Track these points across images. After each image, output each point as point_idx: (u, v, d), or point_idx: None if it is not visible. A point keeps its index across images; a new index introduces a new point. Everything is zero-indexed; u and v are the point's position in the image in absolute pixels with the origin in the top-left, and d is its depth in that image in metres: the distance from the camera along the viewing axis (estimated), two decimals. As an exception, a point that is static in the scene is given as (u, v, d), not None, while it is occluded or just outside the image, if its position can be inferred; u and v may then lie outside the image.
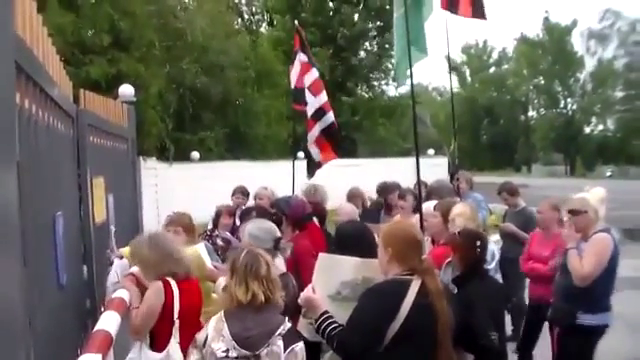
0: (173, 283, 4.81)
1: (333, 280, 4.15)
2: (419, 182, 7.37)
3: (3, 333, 2.85)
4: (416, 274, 3.89)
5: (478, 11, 8.37)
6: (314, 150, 10.30)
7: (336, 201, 8.66)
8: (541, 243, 7.14)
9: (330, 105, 10.24)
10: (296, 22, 12.11)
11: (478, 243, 4.83)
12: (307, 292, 4.10)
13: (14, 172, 2.98)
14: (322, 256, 4.34)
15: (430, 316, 3.78)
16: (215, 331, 3.80)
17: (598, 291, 5.85)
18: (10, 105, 2.93)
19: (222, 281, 5.37)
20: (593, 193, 6.22)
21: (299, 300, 4.21)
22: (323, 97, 10.17)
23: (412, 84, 7.52)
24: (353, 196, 10.03)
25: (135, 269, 5.22)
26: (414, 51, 7.31)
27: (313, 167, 10.48)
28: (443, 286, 4.03)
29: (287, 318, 3.94)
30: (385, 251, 4.01)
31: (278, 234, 5.13)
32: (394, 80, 39.01)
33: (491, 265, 5.63)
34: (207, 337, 3.81)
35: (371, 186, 11.11)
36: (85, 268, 6.74)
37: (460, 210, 5.74)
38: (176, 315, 4.71)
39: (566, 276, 6.01)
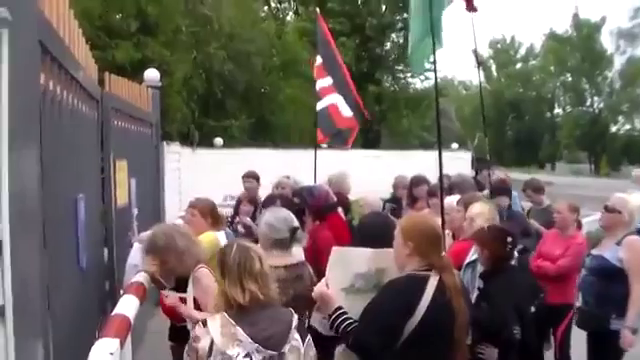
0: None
1: (347, 273, 4.06)
2: (441, 176, 7.27)
3: (22, 311, 2.86)
4: (434, 270, 3.80)
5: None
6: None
7: (357, 191, 8.64)
8: (555, 242, 7.01)
9: (332, 89, 10.19)
10: (317, 10, 12.10)
11: (509, 240, 4.79)
12: (320, 287, 3.96)
13: (36, 151, 2.98)
14: (335, 249, 4.23)
15: (448, 314, 3.72)
16: (224, 336, 3.40)
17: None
18: (34, 85, 2.93)
19: None
20: (635, 198, 6.16)
21: (313, 294, 4.06)
22: (321, 82, 10.27)
23: (436, 76, 7.28)
24: (399, 187, 9.92)
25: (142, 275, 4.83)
26: (429, 41, 7.01)
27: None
28: (460, 283, 3.96)
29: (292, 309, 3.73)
30: (405, 245, 3.89)
31: (295, 224, 4.98)
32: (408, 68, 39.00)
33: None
34: (211, 344, 3.42)
35: (391, 178, 11.02)
36: (106, 251, 6.77)
37: (479, 210, 5.65)
38: None
39: (598, 280, 5.94)
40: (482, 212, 5.57)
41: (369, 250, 4.19)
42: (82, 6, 16.77)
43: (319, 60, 10.35)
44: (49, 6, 3.63)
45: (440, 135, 7.17)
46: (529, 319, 4.73)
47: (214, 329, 3.43)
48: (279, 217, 4.97)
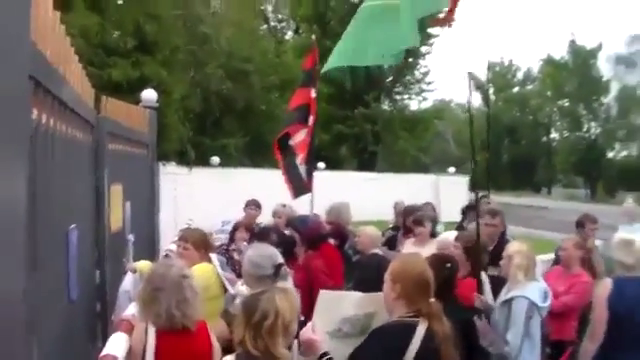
0: None
1: (334, 316, 3.96)
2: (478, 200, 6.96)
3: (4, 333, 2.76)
4: (422, 317, 3.70)
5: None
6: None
7: (354, 214, 8.59)
8: (559, 279, 6.98)
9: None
10: (313, 37, 11.89)
11: (448, 265, 4.99)
12: (307, 331, 3.85)
13: (22, 188, 2.91)
14: (323, 293, 4.13)
15: None
16: None
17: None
18: (24, 123, 2.86)
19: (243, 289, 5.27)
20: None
21: (300, 336, 3.91)
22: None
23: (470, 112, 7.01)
24: (399, 214, 9.59)
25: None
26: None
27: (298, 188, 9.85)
28: (450, 331, 3.81)
29: None
30: (392, 287, 3.79)
31: (279, 260, 4.98)
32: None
33: (545, 303, 5.63)
34: None
35: (388, 202, 10.96)
36: (98, 273, 6.69)
37: (517, 248, 5.77)
38: None
39: None
40: (520, 250, 5.70)
41: (358, 294, 4.13)
42: (80, 24, 16.75)
43: (314, 94, 9.86)
44: (43, 37, 3.55)
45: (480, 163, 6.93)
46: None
47: None
48: (262, 254, 4.95)
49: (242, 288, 5.42)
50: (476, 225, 6.01)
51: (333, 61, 7.25)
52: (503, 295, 5.61)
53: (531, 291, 5.57)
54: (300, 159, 9.54)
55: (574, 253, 7.00)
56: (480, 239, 5.99)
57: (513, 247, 5.81)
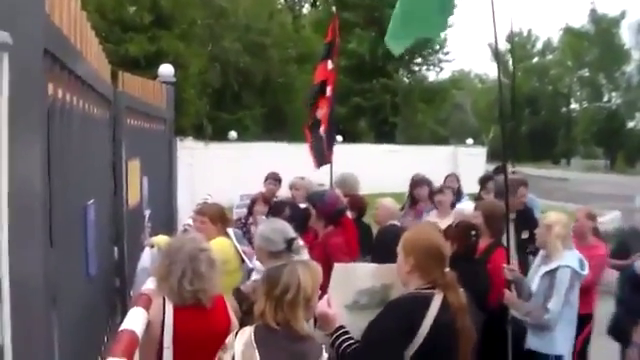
0: None
1: (349, 289, 3.90)
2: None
3: (24, 307, 2.77)
4: (438, 288, 3.66)
5: None
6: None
7: (373, 186, 8.51)
8: None
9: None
10: (334, 9, 11.74)
11: (473, 232, 5.22)
12: (322, 305, 3.74)
13: (40, 162, 2.91)
14: (337, 266, 4.06)
15: (451, 334, 3.59)
16: (244, 358, 3.28)
17: None
18: (39, 98, 2.85)
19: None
20: None
21: (315, 312, 3.77)
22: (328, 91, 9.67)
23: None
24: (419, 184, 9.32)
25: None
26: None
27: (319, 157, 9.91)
28: (466, 301, 3.76)
29: (325, 349, 3.55)
30: (406, 260, 3.73)
31: (291, 235, 4.85)
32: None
33: (584, 270, 5.69)
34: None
35: (407, 174, 10.90)
36: (116, 249, 6.72)
37: (556, 218, 5.82)
38: None
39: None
40: (559, 220, 5.78)
41: (372, 265, 4.11)
42: (95, 0, 16.73)
43: (330, 65, 9.69)
44: (59, 10, 3.53)
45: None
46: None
47: (238, 345, 3.34)
48: (274, 229, 4.86)
49: (258, 263, 5.41)
50: (505, 196, 5.93)
51: (396, 34, 7.05)
52: (539, 265, 5.75)
53: (571, 259, 5.60)
54: (322, 129, 9.57)
55: (586, 223, 6.95)
56: (501, 208, 5.94)
57: (552, 217, 5.85)
